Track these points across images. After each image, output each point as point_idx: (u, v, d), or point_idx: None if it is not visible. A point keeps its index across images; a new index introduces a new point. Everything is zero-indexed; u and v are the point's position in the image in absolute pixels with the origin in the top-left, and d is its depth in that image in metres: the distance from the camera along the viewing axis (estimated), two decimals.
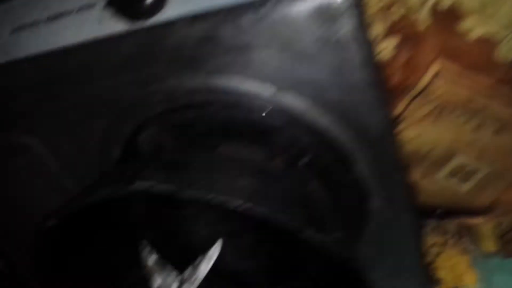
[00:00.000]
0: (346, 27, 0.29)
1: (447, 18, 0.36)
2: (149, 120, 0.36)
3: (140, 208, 0.33)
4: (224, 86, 0.33)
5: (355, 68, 0.31)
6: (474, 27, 0.37)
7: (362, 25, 0.29)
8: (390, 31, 0.37)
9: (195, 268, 0.29)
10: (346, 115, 0.34)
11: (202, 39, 0.31)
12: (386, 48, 0.38)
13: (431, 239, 0.55)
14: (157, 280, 0.30)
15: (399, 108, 0.42)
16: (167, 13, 0.31)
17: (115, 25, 0.32)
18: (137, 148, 0.36)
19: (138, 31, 0.32)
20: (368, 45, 0.30)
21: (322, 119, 0.34)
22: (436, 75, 0.39)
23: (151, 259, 0.30)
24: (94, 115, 0.36)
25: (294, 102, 0.34)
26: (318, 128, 0.35)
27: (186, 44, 0.31)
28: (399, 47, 0.38)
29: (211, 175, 0.30)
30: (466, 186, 0.49)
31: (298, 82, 0.33)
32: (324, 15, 0.29)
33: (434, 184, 0.50)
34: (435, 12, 0.36)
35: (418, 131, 0.44)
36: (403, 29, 0.37)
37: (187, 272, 0.29)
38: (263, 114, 0.34)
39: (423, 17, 0.37)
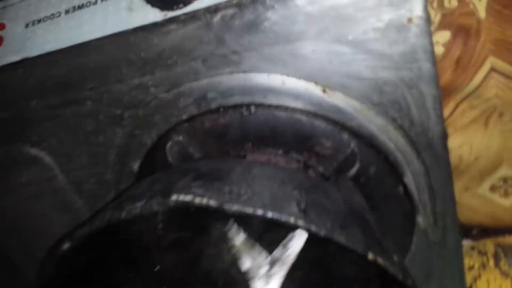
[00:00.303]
0: (411, 13, 0.26)
1: (507, 6, 0.33)
2: (176, 127, 0.32)
3: (173, 225, 0.29)
4: (264, 86, 0.29)
5: (415, 62, 0.27)
6: None
7: (427, 13, 0.26)
8: (442, 24, 0.34)
9: (286, 246, 0.25)
10: (399, 119, 0.30)
11: (246, 28, 0.27)
12: (437, 43, 0.34)
13: (468, 261, 0.51)
14: (246, 262, 0.26)
15: (445, 112, 0.38)
16: (206, 0, 0.27)
17: (147, 15, 0.28)
18: (164, 159, 0.32)
19: (172, 21, 0.28)
20: (430, 36, 0.27)
21: (372, 123, 0.31)
22: (487, 75, 0.36)
23: (239, 238, 0.26)
24: (114, 122, 0.33)
25: (341, 103, 0.30)
26: (366, 133, 0.31)
27: (227, 35, 0.27)
28: (451, 42, 0.34)
29: (254, 187, 0.26)
30: (508, 202, 0.46)
31: (347, 80, 0.29)
32: (386, 0, 0.26)
33: (474, 199, 0.46)
34: None
35: (463, 139, 0.40)
36: (456, 21, 0.34)
37: (277, 251, 0.25)
38: (306, 117, 0.30)
39: (480, 6, 0.33)
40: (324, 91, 0.30)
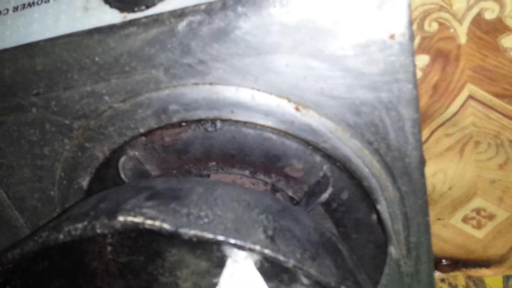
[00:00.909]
0: (393, 29, 0.24)
1: (488, 32, 0.32)
2: (132, 141, 0.29)
3: (124, 249, 0.26)
4: (232, 100, 0.27)
5: (396, 83, 0.26)
6: None
7: (411, 30, 0.24)
8: (421, 47, 0.33)
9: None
10: (375, 142, 0.28)
11: (215, 36, 0.25)
12: (415, 67, 0.33)
13: None
14: None
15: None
16: (171, 4, 0.25)
17: (104, 16, 0.26)
18: (112, 176, 0.28)
19: (133, 24, 0.25)
20: (413, 55, 0.25)
21: (346, 145, 0.28)
22: (465, 102, 0.35)
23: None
24: (62, 133, 0.29)
25: (314, 122, 0.28)
26: (340, 156, 0.29)
27: (194, 43, 0.25)
28: (429, 66, 0.33)
29: (215, 209, 0.23)
30: (480, 233, 0.44)
31: (321, 98, 0.27)
32: (367, 14, 0.24)
33: (445, 230, 0.44)
34: (476, 24, 0.32)
35: (437, 167, 0.39)
36: (436, 45, 0.33)
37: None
38: (277, 136, 0.28)
39: (460, 31, 0.32)
40: (297, 109, 0.27)
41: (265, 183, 0.33)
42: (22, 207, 0.33)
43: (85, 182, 0.30)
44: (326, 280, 0.21)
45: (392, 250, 0.34)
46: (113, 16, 0.26)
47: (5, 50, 0.28)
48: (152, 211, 0.21)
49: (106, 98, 0.27)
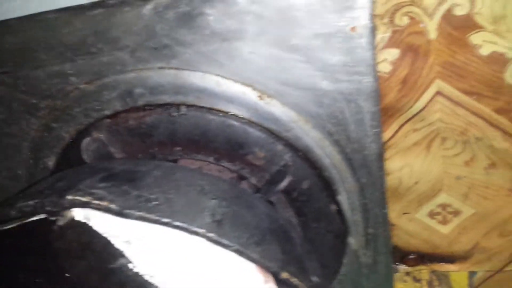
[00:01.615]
0: (355, 21, 0.24)
1: (458, 29, 0.33)
2: (97, 123, 0.29)
3: (83, 231, 0.26)
4: (197, 86, 0.27)
5: (356, 75, 0.26)
6: (487, 42, 0.33)
7: (372, 22, 0.25)
8: (392, 41, 0.33)
9: None
10: (336, 133, 0.29)
11: (180, 21, 0.25)
12: (385, 61, 0.33)
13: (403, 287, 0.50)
14: None
15: (388, 133, 0.37)
16: None
17: None
18: (78, 157, 0.29)
19: (99, 5, 0.26)
20: (374, 48, 0.26)
21: (308, 136, 0.29)
22: (433, 98, 0.35)
23: None
24: (29, 112, 0.30)
25: (277, 111, 0.28)
26: (302, 146, 0.29)
27: (159, 27, 0.25)
28: (399, 60, 0.33)
29: (168, 193, 0.24)
30: (446, 229, 0.45)
31: (285, 87, 0.27)
32: (330, 5, 0.24)
33: (411, 224, 0.45)
34: (446, 20, 0.32)
35: (404, 162, 0.39)
36: (406, 39, 0.33)
37: None
38: (240, 124, 0.29)
39: (431, 26, 0.32)
40: (260, 97, 0.28)
41: (231, 171, 0.34)
42: None
43: (51, 162, 0.31)
44: (268, 265, 0.21)
45: (352, 240, 0.34)
46: None
47: None
48: (103, 192, 0.21)
49: (73, 78, 0.28)
